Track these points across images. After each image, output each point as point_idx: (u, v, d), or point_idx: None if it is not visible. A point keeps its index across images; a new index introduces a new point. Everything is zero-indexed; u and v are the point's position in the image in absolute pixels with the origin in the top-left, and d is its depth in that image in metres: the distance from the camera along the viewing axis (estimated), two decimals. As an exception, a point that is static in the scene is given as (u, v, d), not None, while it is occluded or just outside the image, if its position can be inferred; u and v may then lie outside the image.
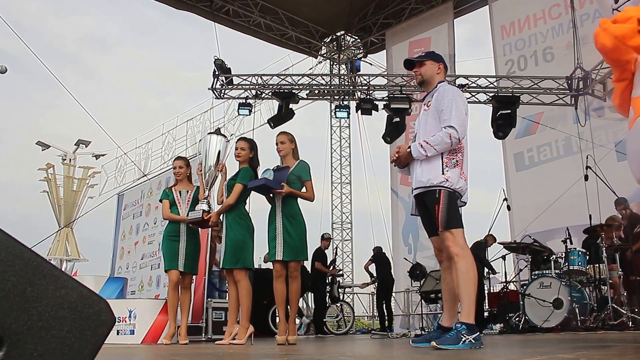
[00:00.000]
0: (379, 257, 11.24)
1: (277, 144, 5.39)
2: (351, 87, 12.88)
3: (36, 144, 24.72)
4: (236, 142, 5.71)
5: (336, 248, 14.39)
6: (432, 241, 4.07)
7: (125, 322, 6.55)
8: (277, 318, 5.68)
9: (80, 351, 1.06)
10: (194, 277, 6.46)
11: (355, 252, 16.42)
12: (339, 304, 10.82)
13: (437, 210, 3.72)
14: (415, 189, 3.91)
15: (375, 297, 12.22)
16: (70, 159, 25.31)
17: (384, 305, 10.95)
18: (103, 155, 23.06)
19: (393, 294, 11.62)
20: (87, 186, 24.90)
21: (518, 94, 10.70)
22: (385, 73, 13.90)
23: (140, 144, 16.49)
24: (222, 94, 12.49)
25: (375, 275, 11.17)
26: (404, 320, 12.06)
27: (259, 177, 5.40)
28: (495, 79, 11.74)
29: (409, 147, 3.92)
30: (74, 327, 1.05)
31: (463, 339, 3.46)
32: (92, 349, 1.08)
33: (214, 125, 14.15)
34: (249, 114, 12.30)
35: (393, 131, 11.28)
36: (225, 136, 6.18)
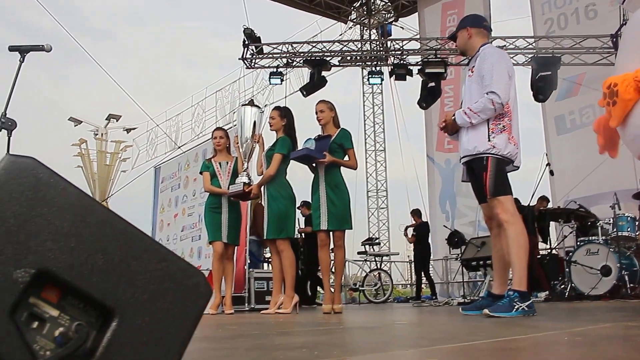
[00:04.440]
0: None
1: (316, 113, 5.36)
2: (383, 53, 12.66)
3: (69, 119, 24.99)
4: None
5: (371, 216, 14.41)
6: (481, 208, 4.05)
7: (170, 294, 6.60)
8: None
9: (184, 322, 1.07)
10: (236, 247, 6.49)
11: (391, 220, 16.43)
12: (376, 273, 10.80)
13: (484, 177, 3.69)
14: (463, 157, 3.87)
15: (413, 265, 12.23)
16: (102, 134, 25.55)
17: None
18: (134, 128, 23.26)
19: (431, 261, 11.60)
20: (120, 160, 25.16)
21: (559, 55, 10.37)
22: (418, 37, 13.64)
23: (170, 117, 16.59)
24: (252, 64, 12.38)
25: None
26: (443, 289, 12.00)
27: (301, 147, 5.37)
28: (534, 39, 11.38)
29: (454, 114, 3.88)
30: (177, 299, 1.06)
31: (516, 307, 3.45)
32: (193, 319, 1.08)
33: (243, 96, 14.13)
34: (281, 83, 12.19)
35: (428, 96, 11.11)
36: (259, 107, 6.12)
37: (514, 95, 3.83)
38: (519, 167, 3.89)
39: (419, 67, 11.11)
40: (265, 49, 12.24)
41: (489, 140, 3.69)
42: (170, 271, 1.06)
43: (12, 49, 4.35)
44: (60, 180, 1.00)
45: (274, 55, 12.25)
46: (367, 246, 11.45)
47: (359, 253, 11.26)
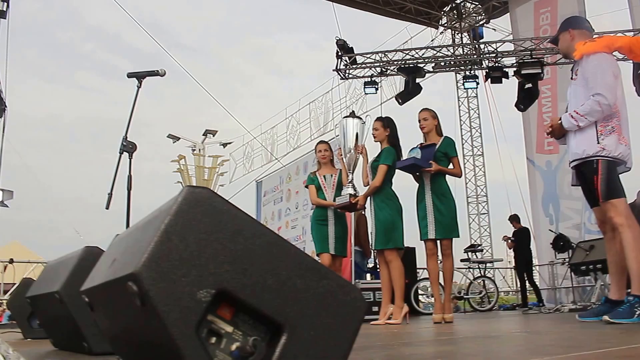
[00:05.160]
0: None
1: (419, 121, 5.41)
2: (477, 56, 12.47)
3: (167, 136, 26.00)
4: None
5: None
6: (594, 212, 3.96)
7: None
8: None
9: (345, 335, 1.16)
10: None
11: (493, 225, 16.06)
12: (481, 280, 10.61)
13: (596, 181, 3.62)
14: (572, 161, 3.82)
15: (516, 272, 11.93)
16: (199, 149, 26.37)
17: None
18: (230, 143, 23.88)
19: (535, 267, 11.27)
20: (217, 174, 25.89)
21: (661, 47, 9.84)
22: (512, 38, 13.35)
23: (265, 130, 16.90)
24: (346, 74, 12.51)
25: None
26: (550, 295, 11.63)
27: (406, 156, 5.40)
28: (633, 32, 10.86)
29: (560, 118, 3.84)
30: (337, 314, 1.15)
31: (637, 312, 3.36)
32: (352, 333, 1.17)
33: (336, 106, 14.25)
34: (376, 92, 12.24)
35: (526, 98, 10.89)
36: (360, 118, 6.19)
37: (621, 95, 3.75)
38: (630, 168, 3.78)
39: (515, 69, 10.91)
40: (359, 59, 12.33)
41: (598, 143, 3.62)
42: (331, 288, 1.14)
43: (130, 75, 4.61)
44: (232, 208, 1.11)
45: (367, 65, 12.33)
46: (469, 253, 11.27)
47: (461, 260, 11.09)
